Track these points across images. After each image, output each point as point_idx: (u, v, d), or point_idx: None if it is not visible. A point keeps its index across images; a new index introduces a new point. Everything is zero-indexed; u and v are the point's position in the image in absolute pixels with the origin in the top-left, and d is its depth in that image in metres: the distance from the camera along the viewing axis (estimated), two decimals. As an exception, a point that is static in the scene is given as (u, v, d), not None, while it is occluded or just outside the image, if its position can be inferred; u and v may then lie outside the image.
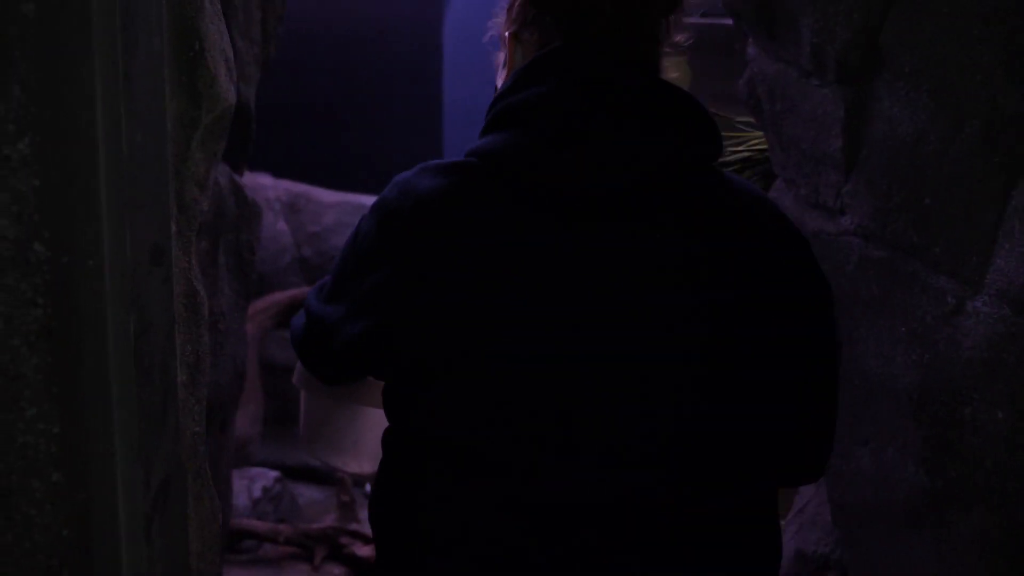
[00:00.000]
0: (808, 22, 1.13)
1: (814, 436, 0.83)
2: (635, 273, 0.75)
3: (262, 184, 3.20)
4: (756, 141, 1.52)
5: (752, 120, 1.45)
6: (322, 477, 3.12)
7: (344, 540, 2.54)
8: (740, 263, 0.76)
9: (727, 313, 0.75)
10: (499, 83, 0.88)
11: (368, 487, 2.91)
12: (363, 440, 0.98)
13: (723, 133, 0.81)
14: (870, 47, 1.06)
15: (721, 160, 0.95)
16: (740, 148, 1.55)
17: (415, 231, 0.75)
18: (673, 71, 0.83)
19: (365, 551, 2.48)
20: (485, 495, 0.75)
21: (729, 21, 1.43)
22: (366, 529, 2.55)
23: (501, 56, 0.89)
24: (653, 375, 0.74)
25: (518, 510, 0.74)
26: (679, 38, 0.83)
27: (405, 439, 0.80)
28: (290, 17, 3.31)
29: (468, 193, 0.77)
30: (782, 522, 0.97)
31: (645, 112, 0.76)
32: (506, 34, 0.85)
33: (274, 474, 2.77)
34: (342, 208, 3.08)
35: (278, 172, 3.23)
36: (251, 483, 2.74)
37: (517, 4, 0.83)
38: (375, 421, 0.89)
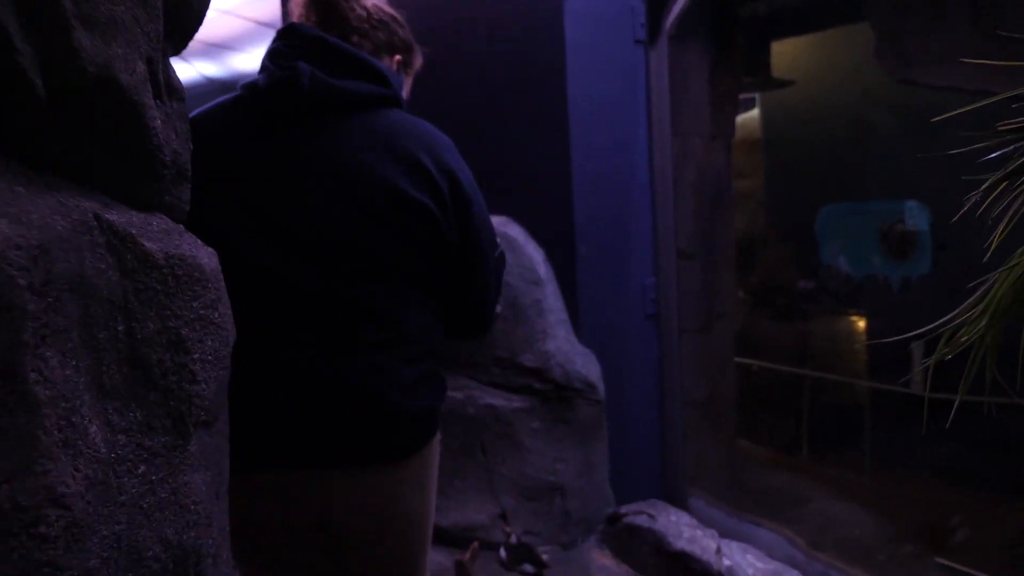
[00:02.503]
0: None
1: (464, 304, 1.28)
2: (320, 169, 1.15)
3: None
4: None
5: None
6: (454, 539, 2.74)
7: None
8: (400, 168, 1.18)
9: (384, 206, 1.16)
10: None
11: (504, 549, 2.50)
12: None
13: None
14: None
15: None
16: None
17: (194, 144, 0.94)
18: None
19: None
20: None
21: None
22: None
23: None
24: (328, 242, 1.14)
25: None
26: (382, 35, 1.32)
27: None
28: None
29: (220, 114, 1.20)
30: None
31: (332, 61, 1.19)
32: None
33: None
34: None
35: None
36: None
37: None
38: None
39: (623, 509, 2.63)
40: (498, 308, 1.36)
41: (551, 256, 2.72)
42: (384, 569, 1.20)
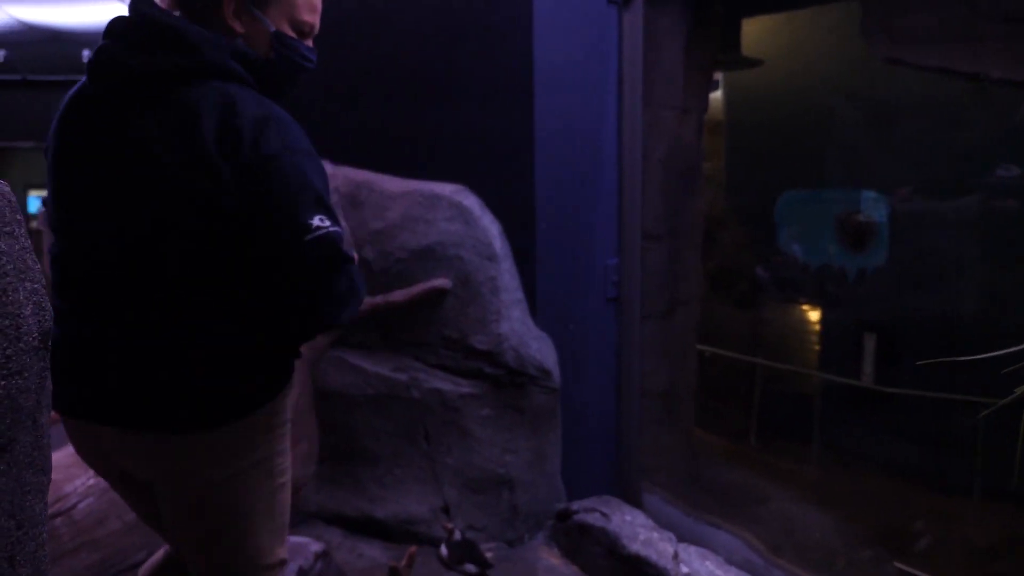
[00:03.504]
0: None
1: (273, 300, 1.18)
2: (113, 159, 1.19)
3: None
4: None
5: None
6: (389, 532, 2.53)
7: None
8: (186, 156, 1.15)
9: (166, 201, 1.16)
10: None
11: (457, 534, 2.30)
12: None
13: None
14: None
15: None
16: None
17: None
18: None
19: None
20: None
21: None
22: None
23: None
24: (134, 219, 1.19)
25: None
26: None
27: None
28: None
29: (72, 97, 1.27)
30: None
31: (136, 35, 1.20)
32: None
33: (317, 547, 2.17)
34: (410, 199, 2.51)
35: (338, 157, 2.68)
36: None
37: None
38: None
39: (575, 505, 2.46)
40: (343, 316, 1.20)
41: (508, 231, 2.51)
42: (198, 532, 1.30)
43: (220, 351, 1.21)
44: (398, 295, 2.48)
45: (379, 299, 2.51)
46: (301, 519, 2.58)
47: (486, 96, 2.51)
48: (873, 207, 3.88)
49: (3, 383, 0.45)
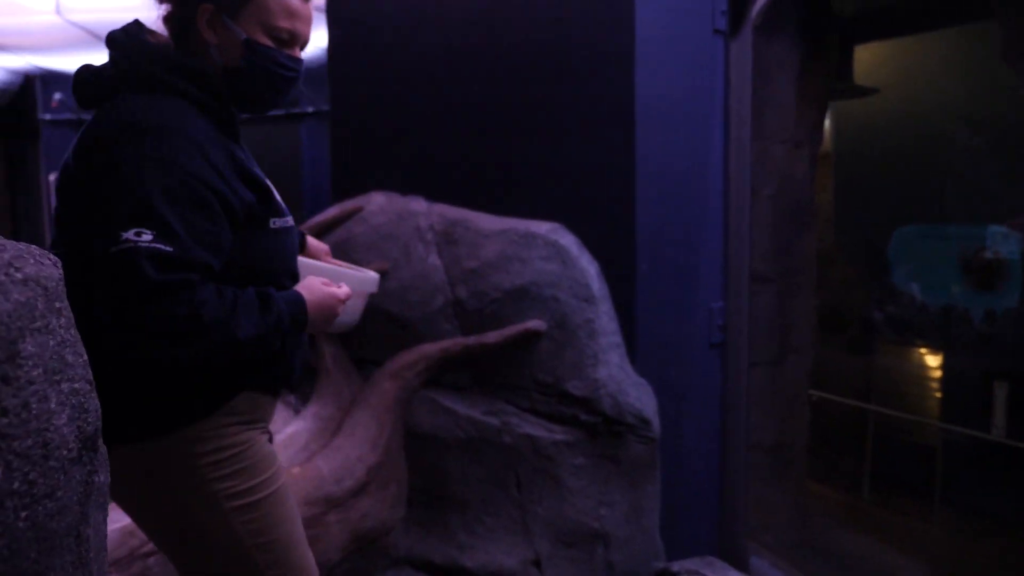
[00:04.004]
0: None
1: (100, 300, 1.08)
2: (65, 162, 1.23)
3: (413, 210, 2.62)
4: None
5: None
6: (478, 584, 2.43)
7: None
8: (69, 160, 1.19)
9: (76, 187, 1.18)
10: None
11: None
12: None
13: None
14: None
15: None
16: None
17: None
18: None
19: None
20: None
21: None
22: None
23: None
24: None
25: None
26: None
27: None
28: (443, 14, 2.82)
29: None
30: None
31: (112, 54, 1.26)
32: None
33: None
34: (505, 238, 2.43)
35: (433, 194, 2.65)
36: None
37: None
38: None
39: (675, 566, 2.29)
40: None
41: (607, 271, 2.39)
42: (166, 544, 1.30)
43: (117, 364, 1.13)
44: (491, 336, 2.40)
45: (472, 340, 2.43)
46: (390, 564, 2.51)
47: (585, 130, 2.42)
48: (1002, 243, 3.57)
49: (25, 513, 0.38)
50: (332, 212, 2.75)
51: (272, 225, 1.28)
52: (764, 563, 2.43)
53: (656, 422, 2.34)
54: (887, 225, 3.91)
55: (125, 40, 1.25)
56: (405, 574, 2.49)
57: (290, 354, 1.33)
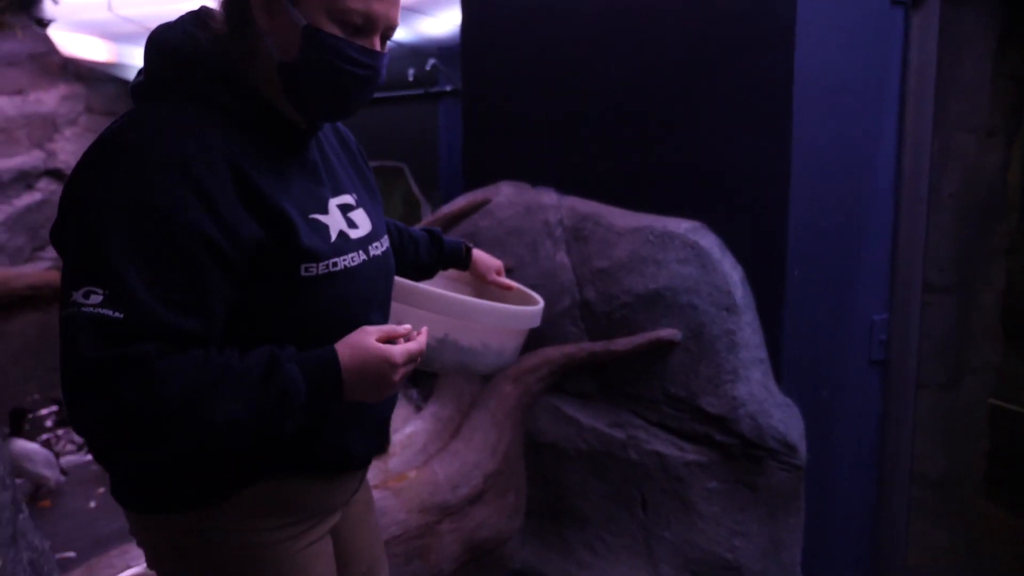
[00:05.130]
0: None
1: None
2: None
3: (542, 203, 2.47)
4: None
5: None
6: (596, 607, 2.29)
7: None
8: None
9: None
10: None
11: None
12: None
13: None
14: None
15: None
16: None
17: None
18: None
19: None
20: None
21: None
22: None
23: None
24: None
25: None
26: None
27: None
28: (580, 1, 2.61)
29: None
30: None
31: None
32: None
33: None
34: (639, 236, 2.23)
35: (564, 187, 2.48)
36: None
37: None
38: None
39: (818, 610, 2.05)
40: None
41: (752, 277, 2.15)
42: None
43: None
44: (620, 343, 2.22)
45: (599, 346, 2.27)
46: None
47: (732, 117, 2.17)
48: None
49: None
50: (460, 203, 2.65)
51: (304, 272, 0.97)
52: (925, 616, 2.13)
53: (802, 448, 2.09)
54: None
55: (156, 37, 1.03)
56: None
57: (336, 429, 1.06)
